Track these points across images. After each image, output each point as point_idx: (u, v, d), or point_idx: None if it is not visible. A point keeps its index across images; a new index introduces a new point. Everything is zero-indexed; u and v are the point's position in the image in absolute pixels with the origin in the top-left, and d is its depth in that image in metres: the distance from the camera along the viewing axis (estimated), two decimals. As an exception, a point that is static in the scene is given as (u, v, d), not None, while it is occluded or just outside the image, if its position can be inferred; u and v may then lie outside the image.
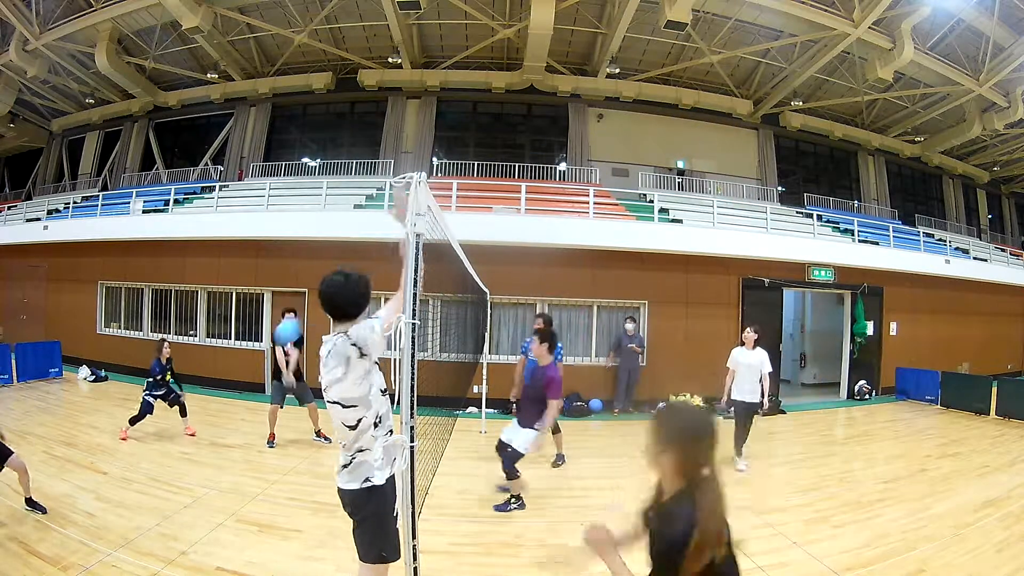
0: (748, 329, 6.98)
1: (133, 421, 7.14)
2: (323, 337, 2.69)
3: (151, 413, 7.31)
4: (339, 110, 17.58)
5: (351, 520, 2.68)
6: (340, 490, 2.66)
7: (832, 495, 5.80)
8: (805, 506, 5.46)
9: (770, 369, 6.82)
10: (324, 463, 6.49)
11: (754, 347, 6.82)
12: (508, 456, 5.08)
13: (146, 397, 7.28)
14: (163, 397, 7.45)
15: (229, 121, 17.62)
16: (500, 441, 5.31)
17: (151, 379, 7.40)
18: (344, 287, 2.74)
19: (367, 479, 2.61)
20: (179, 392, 7.62)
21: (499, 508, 5.19)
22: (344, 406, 2.59)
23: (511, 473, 5.08)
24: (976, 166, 21.49)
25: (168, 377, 7.56)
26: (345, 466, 2.63)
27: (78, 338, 12.41)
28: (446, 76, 16.27)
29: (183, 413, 7.59)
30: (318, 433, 7.60)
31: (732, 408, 6.91)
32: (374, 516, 2.63)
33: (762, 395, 6.77)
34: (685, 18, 12.92)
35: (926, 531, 4.77)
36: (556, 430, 6.72)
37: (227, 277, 11.43)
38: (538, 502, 5.45)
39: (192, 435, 7.43)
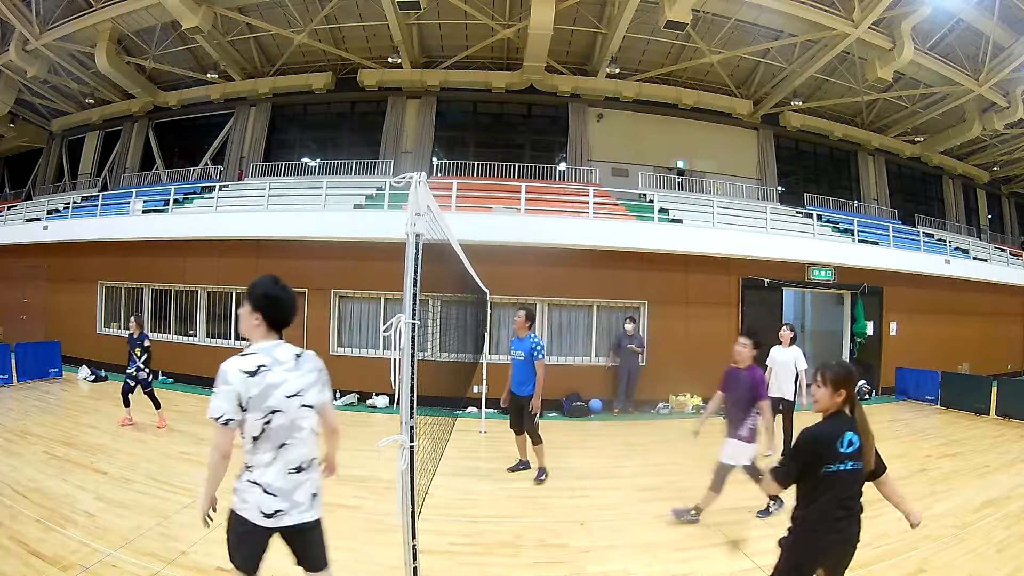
0: (784, 327, 7.27)
1: (126, 403, 7.69)
2: (258, 346, 2.44)
3: (147, 389, 7.83)
4: (339, 110, 17.59)
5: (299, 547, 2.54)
6: (310, 523, 2.48)
7: (832, 495, 5.79)
8: (805, 506, 5.45)
9: (804, 366, 7.04)
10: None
11: (789, 345, 7.09)
12: (751, 472, 4.88)
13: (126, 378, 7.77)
14: (135, 377, 7.75)
15: (229, 121, 17.63)
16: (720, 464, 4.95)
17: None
18: (294, 298, 2.54)
19: (317, 503, 2.53)
20: (149, 379, 7.92)
21: (762, 514, 5.13)
22: (316, 412, 2.52)
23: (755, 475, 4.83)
24: (976, 166, 21.51)
25: (139, 353, 7.81)
26: (315, 495, 2.48)
27: (78, 338, 12.41)
28: (446, 76, 16.28)
29: (156, 404, 7.84)
30: None
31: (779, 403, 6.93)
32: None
33: (797, 391, 7.00)
34: (685, 18, 12.92)
35: (926, 531, 4.76)
36: (538, 441, 6.11)
37: (227, 277, 11.43)
38: (538, 502, 5.45)
39: (161, 427, 7.72)
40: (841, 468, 2.56)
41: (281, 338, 2.50)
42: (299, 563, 2.55)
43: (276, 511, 2.36)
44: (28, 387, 10.21)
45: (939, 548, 4.40)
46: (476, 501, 5.42)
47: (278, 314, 2.46)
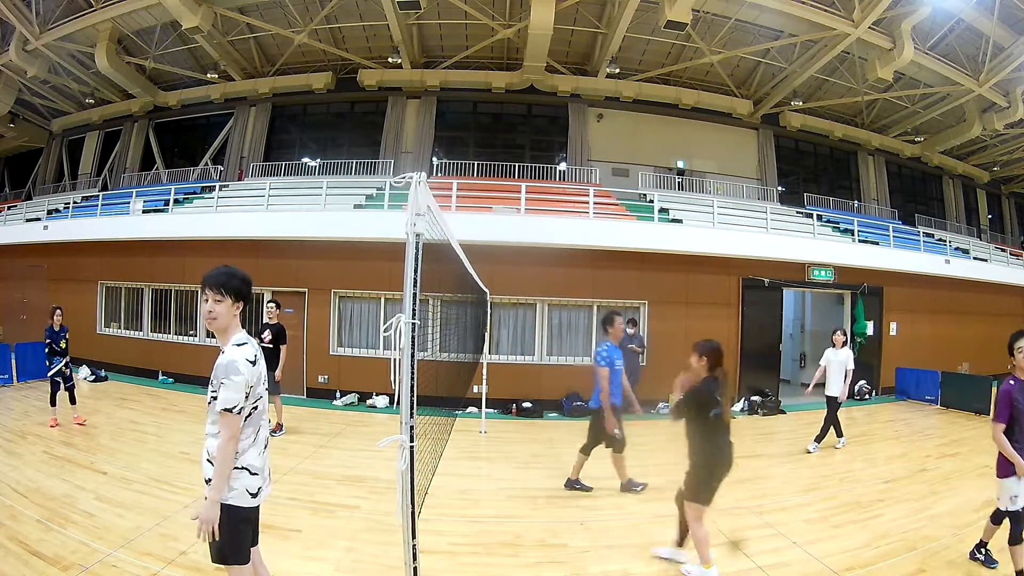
0: (838, 332, 8.01)
1: (52, 402, 7.47)
2: (242, 336, 2.58)
3: (70, 383, 7.65)
4: (339, 110, 17.59)
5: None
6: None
7: (832, 495, 5.80)
8: (805, 506, 5.47)
9: (852, 366, 7.83)
10: (323, 463, 6.49)
11: (841, 347, 7.86)
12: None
13: (52, 375, 7.50)
14: (59, 373, 7.52)
15: (229, 121, 17.63)
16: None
17: (47, 349, 7.56)
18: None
19: None
20: (71, 375, 7.75)
21: None
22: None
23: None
24: (976, 166, 21.51)
25: (64, 345, 7.67)
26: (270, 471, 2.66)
27: (78, 338, 12.28)
28: (446, 76, 16.28)
29: (72, 400, 7.66)
30: (277, 426, 7.66)
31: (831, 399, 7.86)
32: None
33: (843, 388, 7.77)
34: (685, 18, 12.92)
35: (926, 531, 4.77)
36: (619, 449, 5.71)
37: (227, 277, 11.42)
38: (538, 502, 5.46)
39: (81, 424, 7.53)
40: (717, 413, 3.78)
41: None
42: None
43: (259, 489, 2.52)
44: (28, 387, 10.22)
45: (939, 548, 4.40)
46: (476, 501, 5.42)
47: (249, 302, 2.62)
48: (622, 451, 5.73)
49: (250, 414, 2.49)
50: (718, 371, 3.86)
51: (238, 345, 2.50)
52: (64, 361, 7.59)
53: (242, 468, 2.47)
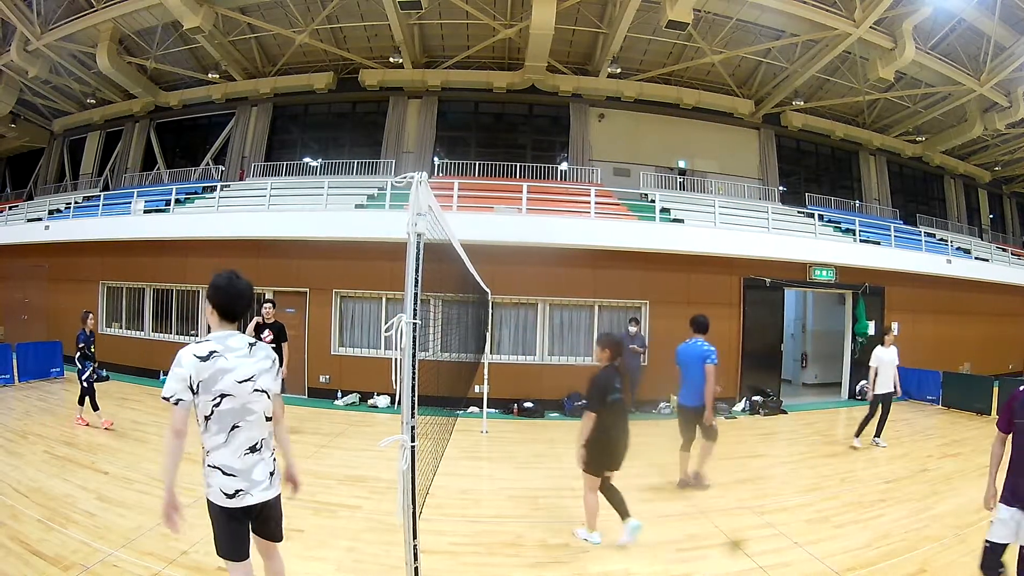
0: (888, 332, 8.28)
1: (81, 401, 7.56)
2: (214, 334, 2.67)
3: (91, 390, 7.60)
4: (340, 110, 17.60)
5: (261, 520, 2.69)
6: (258, 505, 2.59)
7: (833, 495, 5.79)
8: (806, 506, 5.46)
9: (897, 362, 8.15)
10: (324, 463, 6.49)
11: (889, 346, 8.13)
12: None
13: (87, 379, 7.55)
14: (91, 377, 7.56)
15: (230, 121, 17.63)
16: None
17: (80, 353, 7.61)
18: (251, 290, 2.80)
19: (276, 481, 2.70)
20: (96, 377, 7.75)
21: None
22: (268, 397, 2.68)
23: None
24: (977, 166, 21.47)
25: (93, 349, 7.75)
26: (272, 473, 2.65)
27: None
28: (447, 76, 16.28)
29: (95, 406, 7.62)
30: None
31: (878, 399, 8.05)
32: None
33: (895, 385, 8.08)
34: (686, 18, 12.91)
35: (928, 531, 4.76)
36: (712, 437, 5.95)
37: (228, 277, 11.43)
38: (538, 502, 5.45)
39: (85, 424, 7.56)
40: (616, 398, 4.27)
41: (237, 328, 2.71)
42: (256, 532, 2.70)
43: (237, 491, 2.51)
44: (30, 387, 10.23)
45: (940, 548, 4.40)
46: (477, 501, 5.42)
47: (227, 305, 2.67)
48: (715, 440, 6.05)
49: (211, 413, 2.50)
50: (618, 361, 4.43)
51: (198, 342, 2.62)
52: (94, 366, 7.70)
53: (214, 467, 2.51)
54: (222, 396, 2.51)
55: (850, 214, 17.14)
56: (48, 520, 4.35)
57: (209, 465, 2.52)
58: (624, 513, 4.48)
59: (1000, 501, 3.10)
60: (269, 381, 2.69)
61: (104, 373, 11.24)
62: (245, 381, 2.57)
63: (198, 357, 2.51)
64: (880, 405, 8.04)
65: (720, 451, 7.75)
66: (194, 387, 2.48)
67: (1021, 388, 3.26)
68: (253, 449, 2.58)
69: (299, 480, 2.93)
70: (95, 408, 7.62)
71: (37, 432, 7.09)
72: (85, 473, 5.61)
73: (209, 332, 2.70)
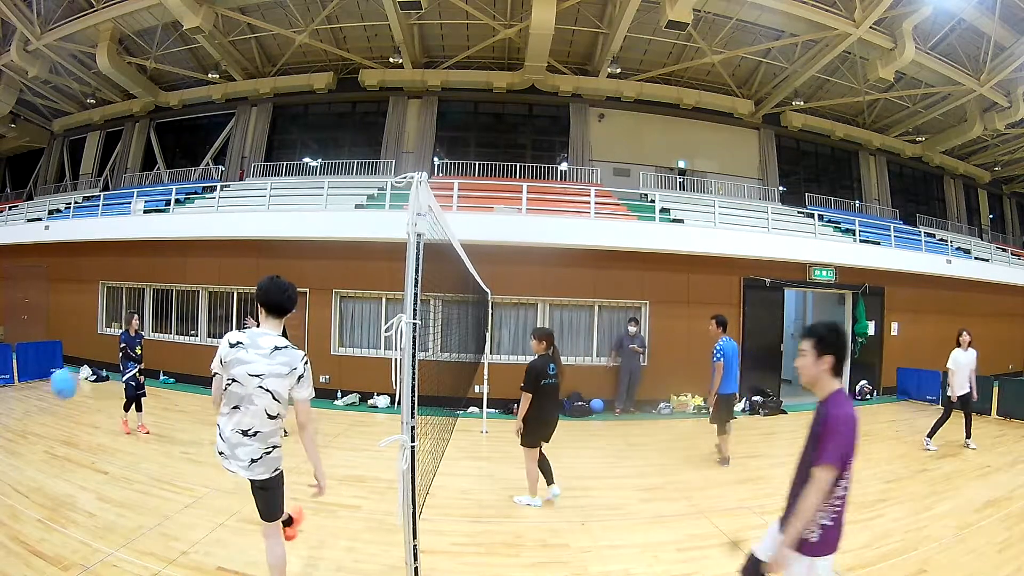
0: (964, 333, 8.14)
1: (126, 407, 7.32)
2: (252, 330, 3.07)
3: (141, 391, 7.38)
4: (340, 110, 17.60)
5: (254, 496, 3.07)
6: (253, 481, 3.00)
7: (833, 495, 5.78)
8: (806, 506, 5.45)
9: (974, 365, 8.06)
10: (325, 463, 6.45)
11: (967, 348, 8.02)
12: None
13: (127, 380, 7.31)
14: (134, 379, 7.32)
15: (230, 121, 17.64)
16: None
17: (122, 353, 7.35)
18: (291, 289, 3.14)
19: (276, 468, 3.05)
20: (143, 383, 7.53)
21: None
22: (274, 398, 2.95)
23: None
24: (977, 166, 21.46)
25: (140, 351, 7.52)
26: (255, 460, 2.95)
27: (79, 338, 12.42)
28: (447, 76, 16.28)
29: (139, 407, 7.43)
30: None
31: (955, 401, 8.00)
32: (278, 490, 3.11)
33: (971, 386, 7.97)
34: (686, 18, 12.91)
35: (927, 531, 4.76)
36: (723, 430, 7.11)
37: (228, 277, 11.44)
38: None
39: (147, 433, 7.35)
40: (549, 383, 5.15)
41: (281, 330, 3.11)
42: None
43: (220, 452, 2.98)
44: (29, 387, 10.22)
45: (940, 548, 4.40)
46: (478, 501, 5.42)
47: (268, 302, 3.03)
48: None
49: (225, 388, 2.95)
50: (552, 350, 5.30)
51: (239, 330, 3.10)
52: (138, 368, 7.43)
53: (219, 425, 3.02)
54: (232, 381, 2.92)
55: (850, 214, 17.14)
56: (48, 520, 4.35)
57: (217, 422, 3.04)
58: (550, 480, 5.36)
59: None
60: (278, 384, 2.94)
61: (104, 374, 11.33)
62: (255, 376, 2.91)
63: (229, 343, 2.96)
64: (958, 407, 8.03)
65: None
66: (222, 363, 2.94)
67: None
68: (245, 433, 2.93)
69: (323, 484, 3.16)
70: (137, 409, 7.42)
71: (37, 432, 7.08)
72: (85, 473, 5.61)
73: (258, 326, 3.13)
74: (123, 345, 7.42)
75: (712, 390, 7.18)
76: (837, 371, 2.44)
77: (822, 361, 2.42)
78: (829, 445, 2.31)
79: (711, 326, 7.61)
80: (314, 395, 3.10)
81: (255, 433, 2.94)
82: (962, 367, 7.96)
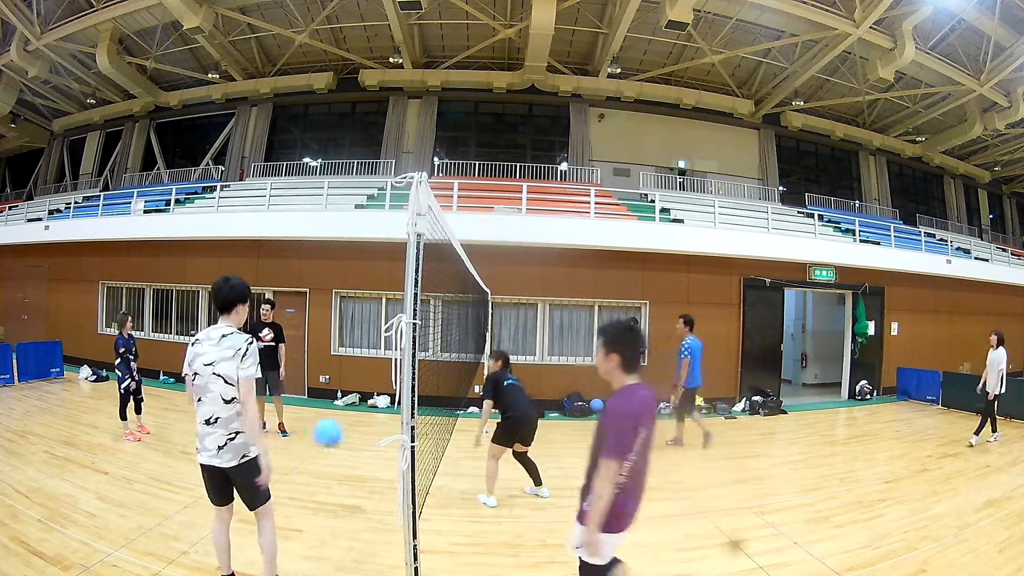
0: (992, 334, 8.52)
1: (123, 415, 7.04)
2: (205, 328, 3.34)
3: (138, 395, 7.16)
4: (340, 110, 17.60)
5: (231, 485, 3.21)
6: (215, 468, 3.12)
7: (833, 495, 5.79)
8: (806, 506, 5.46)
9: (1004, 364, 8.34)
10: (324, 463, 6.49)
11: (997, 347, 8.34)
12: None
13: (121, 386, 7.04)
14: (132, 383, 7.06)
15: (230, 121, 17.64)
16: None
17: (118, 358, 7.06)
18: (233, 288, 3.30)
19: (244, 455, 3.13)
20: (140, 386, 7.26)
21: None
22: (226, 382, 3.10)
23: None
24: (977, 166, 21.48)
25: (136, 352, 7.25)
26: (221, 447, 3.08)
27: (79, 338, 12.42)
28: (447, 76, 16.29)
29: (138, 410, 7.24)
30: (280, 427, 7.64)
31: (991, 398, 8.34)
32: (255, 476, 3.16)
33: (1000, 384, 8.28)
34: (686, 18, 12.92)
35: (927, 531, 4.76)
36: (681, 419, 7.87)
37: (228, 277, 11.42)
38: (538, 502, 5.45)
39: (147, 433, 7.18)
40: (511, 382, 5.51)
41: (235, 323, 3.26)
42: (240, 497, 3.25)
43: (196, 448, 3.17)
44: (29, 387, 10.23)
45: (940, 548, 4.40)
46: (477, 501, 5.42)
47: (215, 300, 3.28)
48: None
49: (192, 384, 3.18)
50: (508, 368, 5.80)
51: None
52: (132, 375, 7.13)
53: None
54: (195, 374, 3.15)
55: (850, 214, 17.15)
56: (48, 520, 4.35)
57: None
58: (537, 481, 5.58)
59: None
60: (228, 368, 3.10)
61: (104, 374, 11.33)
62: (208, 365, 3.11)
63: (190, 342, 3.23)
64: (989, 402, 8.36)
65: (720, 451, 7.80)
66: (188, 363, 3.18)
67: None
68: (208, 422, 3.10)
69: (261, 464, 3.16)
70: (136, 411, 7.22)
71: (37, 432, 7.07)
72: (85, 473, 5.61)
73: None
74: (122, 350, 7.10)
75: (679, 384, 7.82)
76: (627, 367, 2.55)
77: (610, 359, 2.55)
78: (608, 438, 2.43)
79: (679, 325, 8.04)
80: (256, 375, 3.17)
81: (216, 420, 3.09)
82: (992, 365, 8.34)
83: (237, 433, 3.11)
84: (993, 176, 22.25)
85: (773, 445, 8.55)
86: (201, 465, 3.15)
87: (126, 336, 7.25)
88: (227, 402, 3.10)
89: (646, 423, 2.51)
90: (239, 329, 3.26)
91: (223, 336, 3.16)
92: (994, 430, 8.38)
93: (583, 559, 2.61)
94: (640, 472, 2.56)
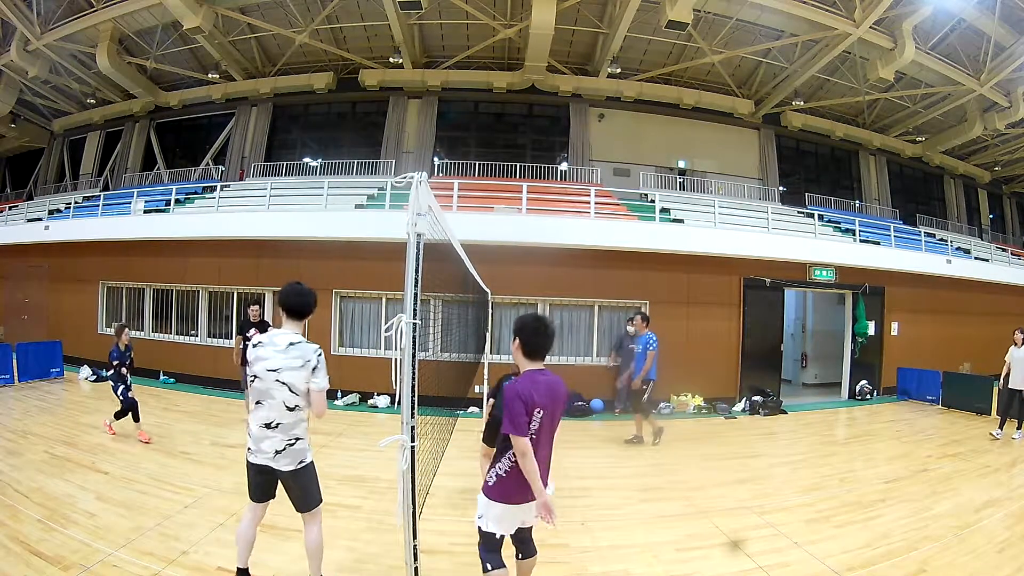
0: (1017, 331, 8.67)
1: (120, 415, 7.02)
2: (272, 330, 3.45)
3: (135, 407, 7.02)
4: (340, 110, 17.60)
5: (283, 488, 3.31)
6: (268, 468, 3.19)
7: (833, 495, 5.79)
8: (806, 506, 5.46)
9: None
10: (324, 463, 6.48)
11: (1022, 345, 8.58)
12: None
13: (118, 392, 6.99)
14: (124, 393, 6.97)
15: (230, 121, 17.64)
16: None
17: (112, 371, 7.01)
18: (309, 294, 3.48)
19: (302, 461, 3.24)
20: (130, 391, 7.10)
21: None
22: (291, 390, 3.16)
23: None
24: (977, 166, 21.48)
25: (131, 362, 7.15)
26: (279, 452, 3.16)
27: (79, 338, 12.41)
28: (447, 76, 16.28)
29: (136, 417, 7.06)
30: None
31: (1011, 394, 8.64)
32: (310, 481, 3.31)
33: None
34: (686, 18, 12.92)
35: (927, 531, 4.76)
36: (646, 414, 8.03)
37: (228, 277, 11.43)
38: (539, 502, 5.45)
39: (147, 442, 6.91)
40: (508, 382, 4.54)
41: (299, 328, 3.37)
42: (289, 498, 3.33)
43: (248, 448, 3.22)
44: (29, 387, 10.23)
45: (940, 548, 4.40)
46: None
47: (285, 305, 3.36)
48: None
49: (250, 384, 3.25)
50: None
51: (261, 335, 3.41)
52: (124, 386, 7.03)
53: (247, 422, 3.28)
54: (255, 377, 3.18)
55: (850, 214, 17.15)
56: (48, 520, 4.35)
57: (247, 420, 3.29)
58: None
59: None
60: (294, 377, 3.15)
61: (104, 374, 11.33)
62: (272, 371, 3.14)
63: (252, 343, 3.26)
64: (1015, 399, 8.60)
65: (720, 451, 7.82)
66: (248, 363, 3.24)
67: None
68: (268, 426, 3.15)
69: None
70: (135, 419, 7.04)
71: (37, 432, 7.07)
72: (85, 473, 5.61)
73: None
74: (115, 363, 7.01)
75: (642, 375, 7.92)
76: (528, 354, 2.94)
77: (514, 343, 2.97)
78: (505, 416, 2.76)
79: (637, 321, 8.30)
80: (328, 387, 3.26)
81: (276, 425, 3.15)
82: (1016, 362, 8.57)
83: (297, 439, 3.20)
84: (993, 176, 22.25)
85: (773, 445, 8.55)
86: (251, 463, 3.21)
87: (122, 348, 7.10)
88: (290, 409, 3.17)
89: (542, 405, 2.79)
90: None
91: (291, 344, 3.20)
92: (1019, 427, 8.61)
93: (480, 527, 3.01)
94: (537, 449, 2.80)
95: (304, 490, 3.26)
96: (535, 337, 2.89)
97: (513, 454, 2.78)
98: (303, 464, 3.23)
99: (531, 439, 2.75)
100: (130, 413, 7.08)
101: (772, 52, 15.35)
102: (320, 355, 3.23)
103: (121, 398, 7.04)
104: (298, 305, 3.36)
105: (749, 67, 16.55)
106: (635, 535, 4.68)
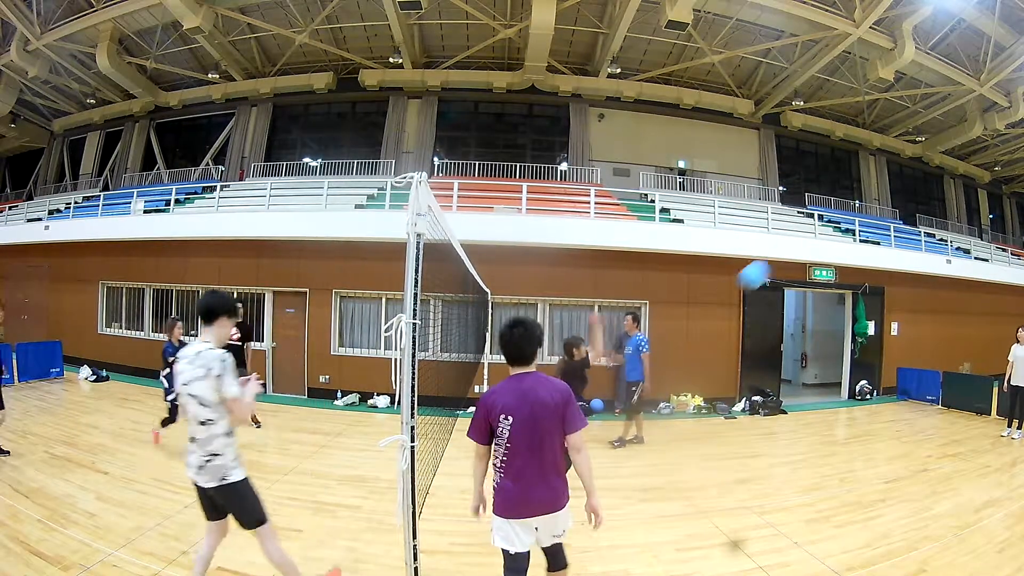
0: (1021, 329, 8.73)
1: (166, 423, 6.77)
2: (186, 342, 3.12)
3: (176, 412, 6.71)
4: (340, 110, 17.59)
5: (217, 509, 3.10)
6: (206, 488, 2.99)
7: (833, 495, 5.79)
8: (806, 506, 5.46)
9: None
10: (324, 463, 6.49)
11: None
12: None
13: (168, 397, 6.66)
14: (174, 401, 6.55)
15: (230, 121, 17.64)
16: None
17: (168, 369, 6.52)
18: (215, 296, 3.26)
19: (223, 478, 2.95)
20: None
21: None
22: (201, 403, 2.93)
23: None
24: (977, 166, 21.48)
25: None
26: (200, 467, 2.95)
27: (79, 338, 12.42)
28: (447, 76, 16.28)
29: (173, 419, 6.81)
30: (253, 418, 7.65)
31: (1014, 392, 8.69)
32: (242, 498, 3.03)
33: None
34: (686, 18, 12.92)
35: (927, 531, 4.76)
36: (634, 416, 8.06)
37: (228, 277, 11.42)
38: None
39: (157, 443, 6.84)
40: None
41: (216, 337, 3.10)
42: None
43: (186, 465, 3.05)
44: (29, 387, 10.23)
45: (940, 548, 4.40)
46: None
47: (199, 311, 3.15)
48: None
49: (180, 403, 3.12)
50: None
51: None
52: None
53: None
54: (178, 394, 3.05)
55: (850, 214, 17.14)
56: (48, 520, 4.35)
57: None
58: None
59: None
60: (201, 388, 2.91)
61: (104, 374, 11.33)
62: (185, 385, 2.96)
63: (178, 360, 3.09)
64: (1019, 397, 8.65)
65: (720, 451, 7.81)
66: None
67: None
68: (191, 440, 2.98)
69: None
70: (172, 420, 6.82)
71: (37, 432, 7.08)
72: (85, 473, 5.61)
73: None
74: (171, 359, 6.39)
75: (647, 380, 7.86)
76: (507, 360, 2.96)
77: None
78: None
79: (628, 321, 8.32)
80: (238, 394, 2.95)
81: (194, 439, 2.96)
82: (1019, 360, 8.60)
83: (214, 455, 2.94)
84: (993, 176, 22.25)
85: (773, 445, 8.55)
86: (193, 481, 3.05)
87: (176, 343, 6.80)
88: (202, 424, 2.93)
89: (507, 410, 2.75)
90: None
91: (197, 353, 2.97)
92: (1020, 427, 8.63)
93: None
94: (515, 457, 2.75)
95: (237, 509, 3.03)
96: (503, 345, 2.94)
97: (501, 465, 2.78)
98: (226, 482, 2.95)
99: (506, 447, 2.74)
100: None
101: (772, 52, 15.34)
102: (224, 362, 2.93)
103: (170, 404, 6.73)
104: (201, 308, 3.12)
105: (749, 67, 16.55)
106: (635, 535, 4.68)
